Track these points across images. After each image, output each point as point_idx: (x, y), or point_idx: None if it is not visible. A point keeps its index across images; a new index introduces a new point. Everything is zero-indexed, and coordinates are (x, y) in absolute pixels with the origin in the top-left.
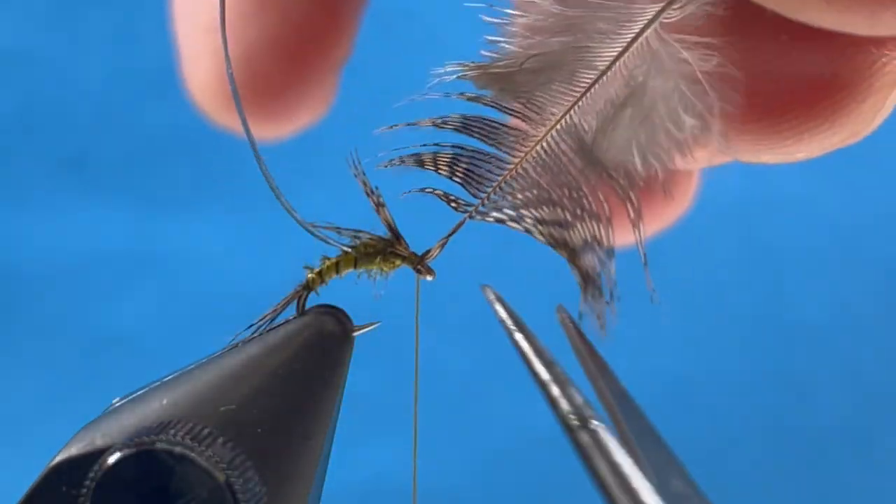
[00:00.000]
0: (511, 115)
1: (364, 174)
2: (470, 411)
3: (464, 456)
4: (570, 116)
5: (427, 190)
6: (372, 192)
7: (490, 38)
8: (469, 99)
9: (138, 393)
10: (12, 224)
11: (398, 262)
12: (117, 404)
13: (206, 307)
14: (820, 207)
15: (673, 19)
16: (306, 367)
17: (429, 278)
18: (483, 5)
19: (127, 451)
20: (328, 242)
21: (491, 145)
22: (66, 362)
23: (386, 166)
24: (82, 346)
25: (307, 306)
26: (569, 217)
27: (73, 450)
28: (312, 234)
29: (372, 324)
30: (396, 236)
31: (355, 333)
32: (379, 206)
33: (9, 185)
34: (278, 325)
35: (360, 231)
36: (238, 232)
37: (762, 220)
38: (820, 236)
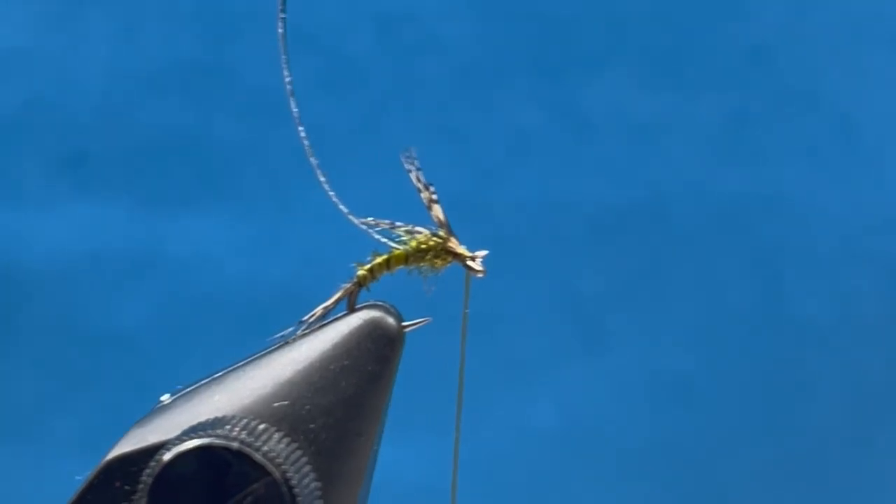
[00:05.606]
0: None
1: (419, 169)
2: (470, 411)
3: (464, 456)
4: None
5: None
6: (426, 187)
7: None
8: None
9: (187, 390)
10: (11, 223)
11: (450, 258)
12: (166, 401)
13: (206, 307)
14: (820, 207)
15: None
16: (358, 364)
17: (480, 275)
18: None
19: (183, 447)
20: (378, 239)
21: None
22: (65, 362)
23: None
24: (82, 346)
25: (357, 303)
26: None
27: (126, 447)
28: (362, 229)
29: (423, 320)
30: (449, 233)
31: (406, 329)
32: (432, 202)
33: (8, 184)
34: (329, 322)
35: (414, 227)
36: (238, 232)
37: (762, 219)
38: (820, 236)
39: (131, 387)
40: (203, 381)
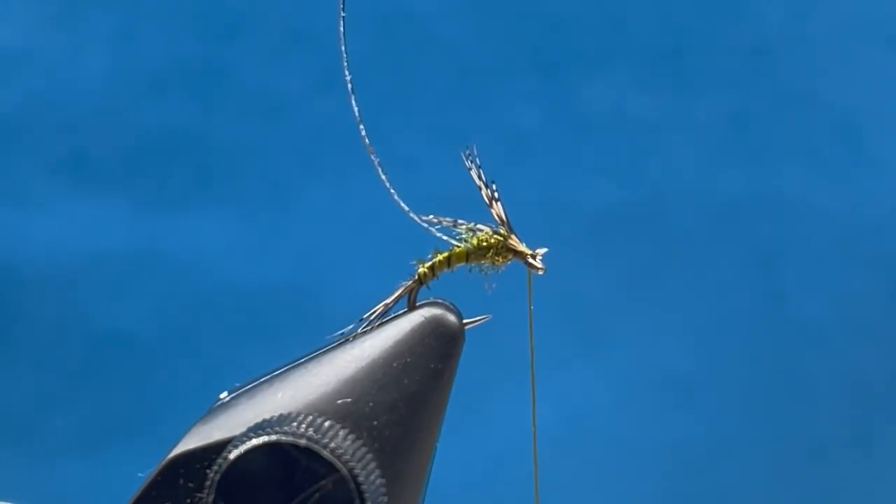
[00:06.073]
0: None
1: (480, 167)
2: (470, 411)
3: (464, 455)
4: None
5: None
6: (487, 185)
7: None
8: None
9: (248, 387)
10: (11, 223)
11: (510, 256)
12: (226, 399)
13: (206, 307)
14: (820, 207)
15: None
16: (420, 361)
17: (540, 272)
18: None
19: (251, 444)
20: (439, 236)
21: None
22: (65, 362)
23: None
24: (82, 346)
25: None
26: None
27: (190, 444)
28: (424, 227)
29: (483, 317)
30: (510, 230)
31: (467, 327)
32: (493, 199)
33: (8, 184)
34: (390, 319)
35: (476, 224)
36: (238, 232)
37: (762, 220)
38: (820, 236)
39: (131, 387)
40: (263, 378)
